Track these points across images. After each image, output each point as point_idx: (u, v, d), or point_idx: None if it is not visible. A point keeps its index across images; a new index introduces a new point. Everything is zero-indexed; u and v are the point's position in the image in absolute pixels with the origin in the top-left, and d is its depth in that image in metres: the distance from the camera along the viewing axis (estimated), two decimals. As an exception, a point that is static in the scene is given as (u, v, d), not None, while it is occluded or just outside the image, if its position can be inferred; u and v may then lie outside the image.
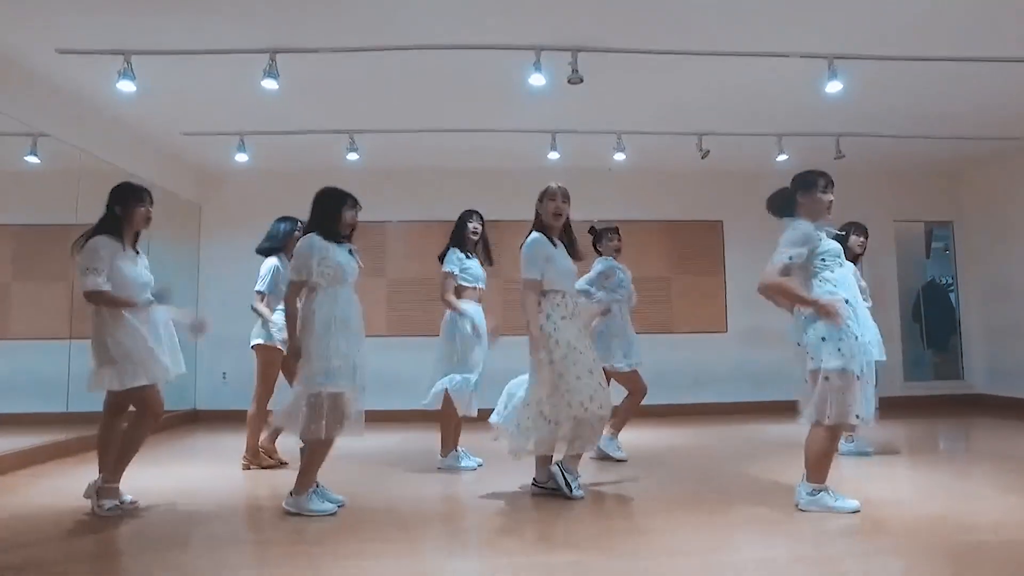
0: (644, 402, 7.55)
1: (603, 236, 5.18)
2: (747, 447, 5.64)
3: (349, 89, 5.60)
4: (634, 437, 5.88)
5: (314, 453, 3.53)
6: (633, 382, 5.12)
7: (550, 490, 3.86)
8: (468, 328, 4.55)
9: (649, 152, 7.26)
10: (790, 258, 3.33)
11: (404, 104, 5.93)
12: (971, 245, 8.51)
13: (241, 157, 6.71)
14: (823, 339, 3.29)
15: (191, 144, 6.88)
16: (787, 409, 7.92)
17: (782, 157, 6.95)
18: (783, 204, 3.61)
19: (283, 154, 7.26)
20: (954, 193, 8.59)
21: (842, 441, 5.19)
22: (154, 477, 4.57)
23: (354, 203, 3.74)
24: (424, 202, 7.93)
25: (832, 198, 3.53)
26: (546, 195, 3.89)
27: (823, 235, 3.45)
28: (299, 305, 3.57)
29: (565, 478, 3.78)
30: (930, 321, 9.03)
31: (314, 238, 3.59)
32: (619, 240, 5.20)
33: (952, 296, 8.85)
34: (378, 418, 7.54)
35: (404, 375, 7.53)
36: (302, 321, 3.52)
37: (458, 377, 4.53)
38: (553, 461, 3.87)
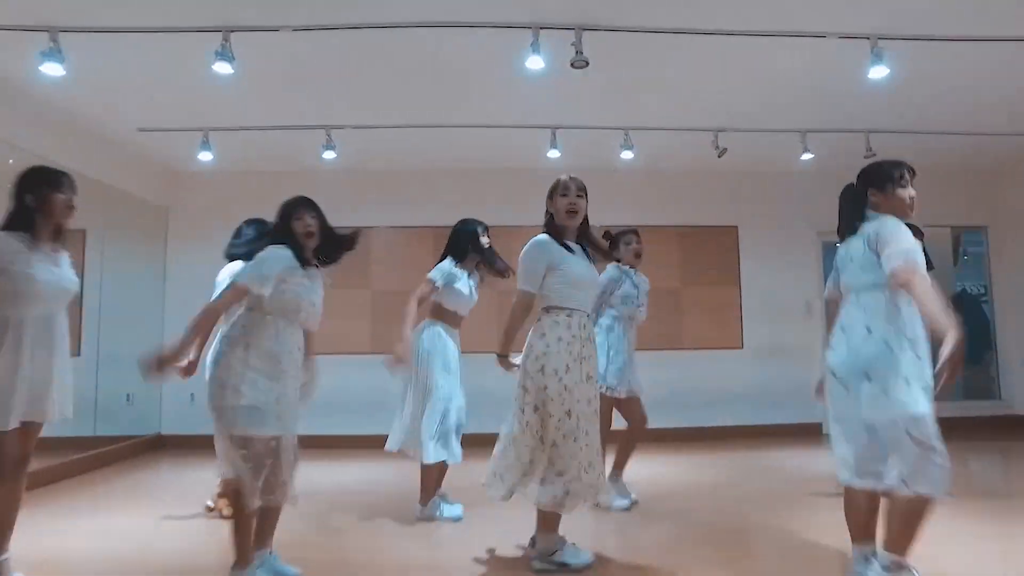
0: (653, 425, 6.88)
1: (620, 240, 4.37)
2: (774, 485, 4.96)
3: (321, 78, 4.93)
4: (641, 468, 5.22)
5: (242, 515, 2.79)
6: (632, 410, 4.38)
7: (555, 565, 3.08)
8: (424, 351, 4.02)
9: (658, 150, 6.58)
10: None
11: (385, 96, 5.26)
12: (1008, 252, 7.82)
13: (205, 156, 6.02)
14: (907, 381, 2.54)
15: (151, 142, 6.20)
16: (808, 432, 7.28)
17: (807, 156, 6.28)
18: (855, 210, 2.84)
19: (254, 153, 6.58)
20: (990, 196, 7.89)
21: None
22: (92, 532, 3.87)
23: (306, 210, 3.00)
24: (411, 206, 7.24)
25: (914, 193, 2.78)
26: (557, 190, 3.19)
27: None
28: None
29: (556, 562, 3.05)
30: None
31: (287, 252, 2.90)
32: (638, 243, 4.43)
33: (985, 307, 8.18)
34: (361, 444, 6.93)
35: (391, 396, 6.83)
36: (227, 340, 2.85)
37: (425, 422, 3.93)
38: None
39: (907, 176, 2.80)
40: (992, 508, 4.03)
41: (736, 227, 7.57)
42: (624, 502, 4.20)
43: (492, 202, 7.08)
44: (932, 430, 2.54)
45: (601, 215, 7.11)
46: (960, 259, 8.97)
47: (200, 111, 5.51)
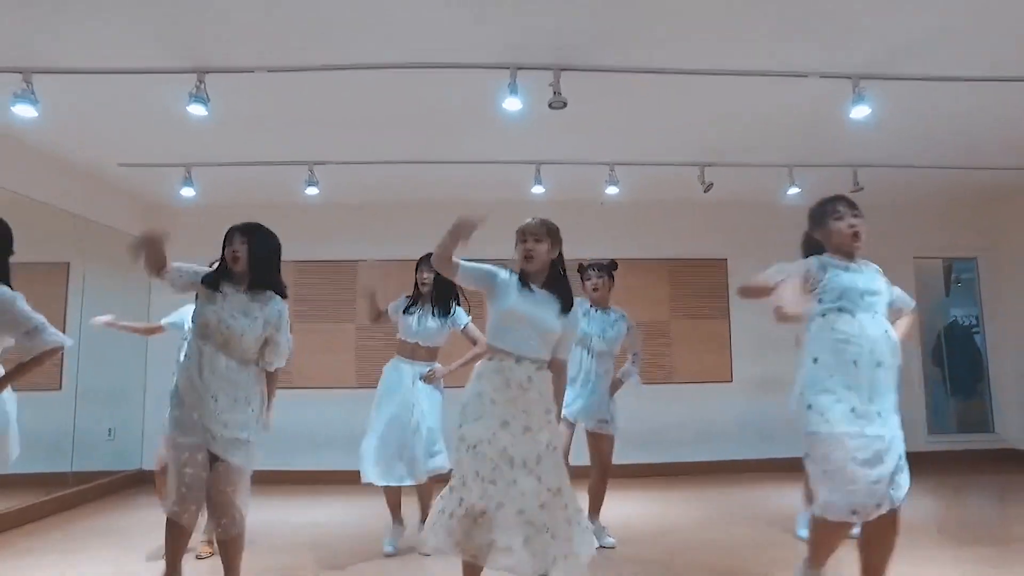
0: (642, 460, 6.80)
1: (583, 273, 4.41)
2: (770, 526, 4.85)
3: (303, 117, 4.90)
4: (630, 505, 5.14)
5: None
6: (594, 447, 4.36)
7: None
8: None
9: (645, 184, 6.54)
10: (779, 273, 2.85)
11: (367, 132, 5.23)
12: (999, 283, 7.78)
13: (187, 191, 5.97)
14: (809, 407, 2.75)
15: (133, 177, 6.16)
16: (798, 467, 7.25)
17: (793, 190, 6.24)
18: (806, 254, 3.08)
19: (237, 187, 6.53)
20: (980, 227, 7.85)
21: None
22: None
23: (232, 237, 3.14)
24: (396, 238, 7.17)
25: (854, 222, 2.84)
26: (517, 234, 3.03)
27: (835, 269, 2.83)
28: None
29: None
30: (954, 366, 8.28)
31: (202, 268, 3.20)
32: (599, 278, 4.32)
33: (977, 338, 8.10)
34: (346, 480, 6.81)
35: (375, 431, 6.76)
36: None
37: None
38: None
39: (841, 209, 2.87)
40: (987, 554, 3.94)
41: (725, 259, 7.51)
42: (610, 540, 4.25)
43: (477, 235, 7.02)
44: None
45: (588, 248, 7.10)
46: (952, 286, 8.90)
47: (181, 147, 5.47)
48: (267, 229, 3.19)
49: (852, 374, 2.68)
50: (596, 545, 2.89)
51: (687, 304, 7.42)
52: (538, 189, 6.00)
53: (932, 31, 3.78)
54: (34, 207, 5.39)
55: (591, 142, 5.50)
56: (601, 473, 4.35)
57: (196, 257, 7.00)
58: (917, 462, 7.03)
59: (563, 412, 3.77)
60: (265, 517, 4.99)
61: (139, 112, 4.75)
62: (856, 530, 3.22)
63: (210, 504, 2.96)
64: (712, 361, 7.37)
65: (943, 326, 8.54)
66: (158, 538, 4.42)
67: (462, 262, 2.91)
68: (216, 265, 3.27)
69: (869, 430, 2.64)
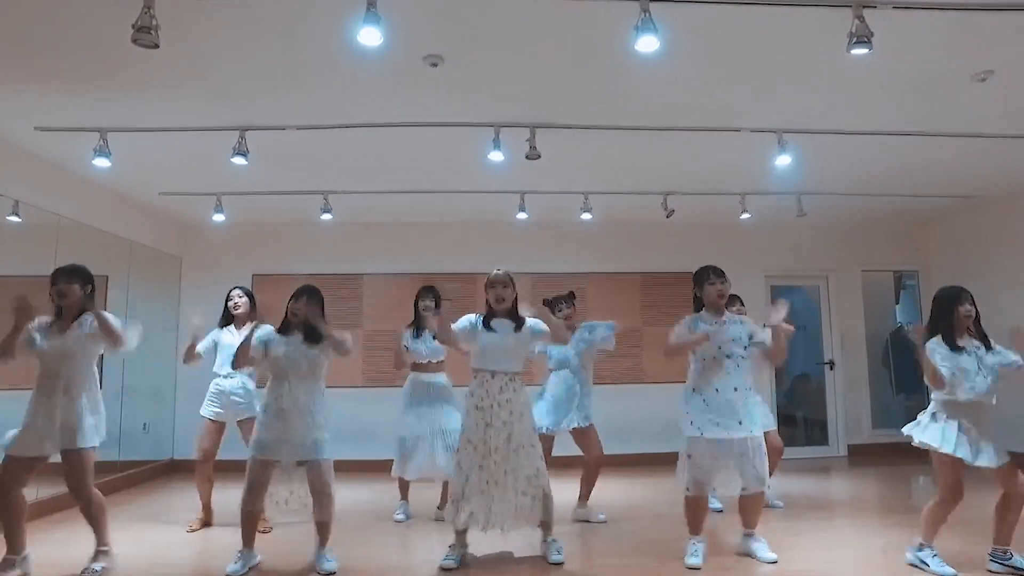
0: (619, 451, 7.64)
1: (554, 307, 5.21)
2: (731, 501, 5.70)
3: (321, 158, 5.80)
4: (613, 490, 6.09)
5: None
6: (583, 443, 5.12)
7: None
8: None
9: (617, 210, 7.46)
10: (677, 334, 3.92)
11: (375, 170, 6.12)
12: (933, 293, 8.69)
13: (218, 217, 6.87)
14: (691, 422, 3.89)
15: (169, 203, 7.05)
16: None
17: (745, 216, 7.15)
18: (695, 305, 4.16)
19: (260, 211, 7.44)
20: (919, 242, 8.81)
21: None
22: (120, 543, 4.64)
23: (298, 295, 4.01)
24: (399, 256, 8.11)
25: (721, 288, 3.94)
26: (487, 284, 4.08)
27: (704, 325, 3.94)
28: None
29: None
30: (898, 367, 9.21)
31: (268, 328, 4.02)
32: (568, 309, 5.15)
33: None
34: (352, 468, 7.70)
35: (379, 425, 7.65)
36: None
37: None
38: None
39: (712, 276, 4.00)
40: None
41: (691, 273, 8.39)
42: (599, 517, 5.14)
43: (469, 252, 7.95)
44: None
45: (568, 264, 8.02)
46: (902, 292, 9.81)
47: (214, 180, 6.35)
48: (319, 290, 4.11)
49: (715, 397, 3.81)
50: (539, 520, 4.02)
51: (656, 313, 8.34)
52: (522, 215, 6.90)
53: (843, 100, 4.69)
54: (80, 229, 6.21)
55: (567, 177, 6.39)
56: (594, 462, 5.10)
57: (222, 269, 7.82)
58: (862, 452, 8.10)
59: (540, 427, 4.72)
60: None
61: (185, 156, 5.64)
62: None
63: (313, 494, 3.89)
64: (679, 364, 8.20)
65: (890, 331, 9.47)
66: (195, 512, 5.38)
67: (454, 328, 3.98)
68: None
69: (724, 435, 3.76)
